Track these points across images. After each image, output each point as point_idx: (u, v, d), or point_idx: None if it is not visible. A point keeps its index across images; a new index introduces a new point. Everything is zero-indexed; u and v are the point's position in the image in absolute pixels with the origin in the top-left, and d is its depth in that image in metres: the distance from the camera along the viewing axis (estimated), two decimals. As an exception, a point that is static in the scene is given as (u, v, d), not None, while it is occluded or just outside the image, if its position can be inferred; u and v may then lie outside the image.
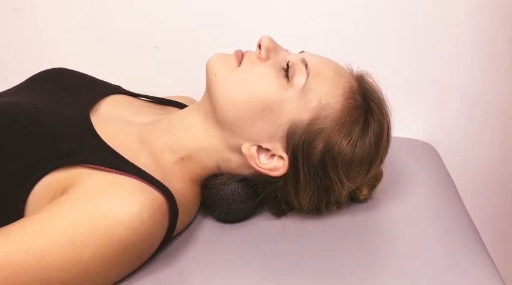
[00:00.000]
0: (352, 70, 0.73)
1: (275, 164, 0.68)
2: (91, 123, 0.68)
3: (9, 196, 0.60)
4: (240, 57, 0.70)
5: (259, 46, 0.69)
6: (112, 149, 0.64)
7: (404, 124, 0.96)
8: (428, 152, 0.99)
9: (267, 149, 0.68)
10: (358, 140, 0.67)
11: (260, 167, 0.68)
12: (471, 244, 0.68)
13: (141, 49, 1.11)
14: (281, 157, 0.68)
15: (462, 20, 1.04)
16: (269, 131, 0.67)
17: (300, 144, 0.66)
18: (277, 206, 0.73)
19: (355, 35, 1.06)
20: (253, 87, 0.67)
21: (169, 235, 0.64)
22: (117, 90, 0.81)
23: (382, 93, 0.71)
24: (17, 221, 0.57)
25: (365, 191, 0.75)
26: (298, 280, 0.62)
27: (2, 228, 0.56)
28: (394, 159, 0.78)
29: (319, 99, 0.66)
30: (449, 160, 0.98)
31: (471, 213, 0.77)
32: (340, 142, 0.66)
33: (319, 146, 0.67)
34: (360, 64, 0.73)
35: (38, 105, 0.69)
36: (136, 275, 0.61)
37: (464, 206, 0.79)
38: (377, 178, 0.76)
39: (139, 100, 0.83)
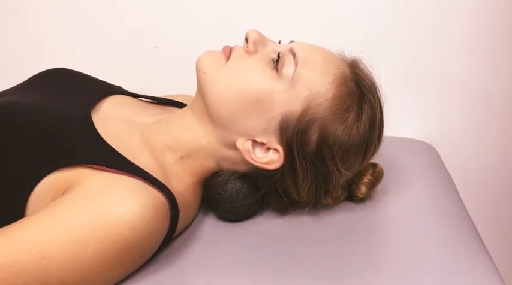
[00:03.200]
0: (344, 56, 0.72)
1: (271, 158, 0.68)
2: (92, 122, 0.68)
3: (11, 196, 0.60)
4: (228, 53, 0.69)
5: (246, 40, 0.69)
6: (113, 149, 0.64)
7: (404, 124, 0.97)
8: (428, 152, 0.99)
9: (262, 143, 0.68)
10: (352, 126, 0.66)
11: (256, 161, 0.68)
12: (471, 244, 0.68)
13: (141, 49, 1.10)
14: (276, 150, 0.68)
15: (463, 19, 1.04)
16: (262, 124, 0.67)
17: (294, 135, 0.66)
18: (278, 200, 0.72)
19: (355, 34, 1.06)
20: (242, 82, 0.67)
21: (170, 235, 0.64)
22: (118, 90, 0.81)
23: (374, 78, 0.71)
24: (18, 221, 0.57)
25: (363, 190, 0.74)
26: (299, 280, 0.62)
27: (2, 228, 0.56)
28: (394, 159, 0.79)
29: (309, 88, 0.66)
30: (449, 160, 0.98)
31: (471, 213, 0.77)
32: (335, 131, 0.66)
33: (313, 136, 0.66)
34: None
35: (40, 104, 0.69)
36: (138, 275, 0.61)
37: (464, 206, 0.79)
38: (377, 178, 0.76)
39: (140, 101, 0.83)
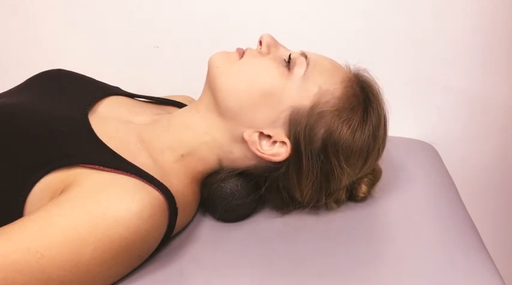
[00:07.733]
0: (349, 68, 0.74)
1: (277, 150, 0.69)
2: (89, 123, 0.68)
3: (9, 196, 0.60)
4: (242, 53, 0.72)
5: (260, 43, 0.72)
6: (110, 149, 0.64)
7: (404, 124, 0.97)
8: (428, 152, 0.99)
9: (269, 136, 0.69)
10: (357, 127, 0.69)
11: (262, 152, 0.69)
12: (471, 244, 0.68)
13: (141, 50, 1.11)
14: (283, 143, 0.69)
15: (461, 19, 1.04)
16: (271, 117, 0.68)
17: (303, 129, 0.67)
18: (279, 197, 0.72)
19: (355, 36, 1.06)
20: (254, 77, 0.69)
21: (168, 233, 0.65)
22: (116, 91, 0.82)
23: (379, 87, 0.73)
24: (16, 221, 0.57)
25: (364, 189, 0.75)
26: (298, 279, 0.62)
27: (1, 228, 0.56)
28: (394, 159, 0.79)
29: (319, 86, 0.68)
30: (449, 160, 0.98)
31: (471, 213, 0.77)
32: (341, 128, 0.68)
33: (320, 131, 0.68)
34: (359, 64, 0.74)
35: (37, 105, 0.69)
36: (137, 275, 0.61)
37: (464, 206, 0.79)
38: (376, 176, 0.76)
39: (138, 101, 0.83)
